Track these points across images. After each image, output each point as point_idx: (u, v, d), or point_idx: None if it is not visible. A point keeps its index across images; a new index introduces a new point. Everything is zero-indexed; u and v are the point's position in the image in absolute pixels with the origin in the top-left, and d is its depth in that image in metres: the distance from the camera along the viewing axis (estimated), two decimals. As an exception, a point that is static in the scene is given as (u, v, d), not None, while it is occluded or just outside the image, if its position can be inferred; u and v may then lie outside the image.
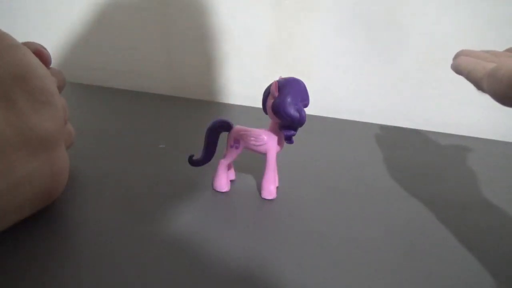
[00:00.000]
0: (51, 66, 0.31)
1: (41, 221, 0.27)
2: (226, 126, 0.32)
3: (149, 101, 0.61)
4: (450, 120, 0.56)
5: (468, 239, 0.28)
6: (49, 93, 0.27)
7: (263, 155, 0.31)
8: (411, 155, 0.44)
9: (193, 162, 0.33)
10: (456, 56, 0.29)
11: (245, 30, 0.61)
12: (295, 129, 0.30)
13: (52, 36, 0.72)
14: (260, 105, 0.32)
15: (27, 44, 0.29)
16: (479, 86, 0.24)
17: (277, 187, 0.33)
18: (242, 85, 0.64)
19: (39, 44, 0.31)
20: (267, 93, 0.30)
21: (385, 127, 0.55)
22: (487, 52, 0.28)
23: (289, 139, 0.30)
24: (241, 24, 0.61)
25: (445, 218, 0.31)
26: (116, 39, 0.69)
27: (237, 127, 0.32)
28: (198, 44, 0.64)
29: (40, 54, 0.29)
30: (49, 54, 0.31)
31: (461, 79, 0.27)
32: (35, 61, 0.27)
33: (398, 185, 0.36)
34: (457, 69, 0.27)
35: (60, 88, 0.32)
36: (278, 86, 0.29)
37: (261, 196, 0.32)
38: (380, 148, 0.46)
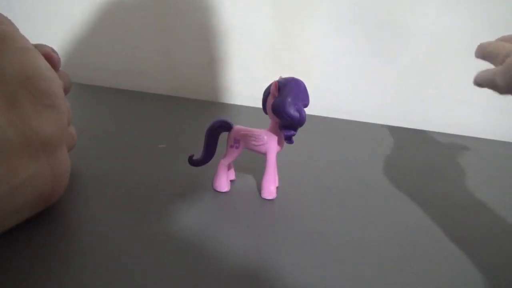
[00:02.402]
0: None
1: (41, 221, 0.27)
2: (226, 126, 0.32)
3: (149, 101, 0.61)
4: (450, 120, 0.56)
5: (468, 239, 0.28)
6: (54, 96, 0.27)
7: (263, 155, 0.31)
8: (411, 155, 0.44)
9: (193, 162, 0.33)
10: (476, 54, 0.30)
11: (245, 30, 0.61)
12: (295, 129, 0.30)
13: (52, 36, 0.72)
14: (260, 105, 0.32)
15: (37, 47, 0.29)
16: (498, 91, 0.25)
17: (277, 187, 0.33)
18: (242, 85, 0.64)
19: (50, 47, 0.31)
20: (267, 93, 0.30)
21: (385, 127, 0.55)
22: (505, 40, 0.29)
23: (289, 139, 0.30)
24: (241, 24, 0.61)
25: (445, 218, 0.31)
26: (116, 39, 0.69)
27: (237, 127, 0.32)
28: (198, 44, 0.64)
29: (50, 57, 0.29)
30: (58, 57, 0.31)
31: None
32: (44, 64, 0.27)
33: (398, 185, 0.36)
34: (477, 83, 0.28)
35: (66, 90, 0.32)
36: (278, 86, 0.29)
37: (261, 196, 0.32)
38: (380, 148, 0.46)
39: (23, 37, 0.27)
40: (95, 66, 0.72)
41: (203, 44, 0.64)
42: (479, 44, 0.29)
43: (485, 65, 0.28)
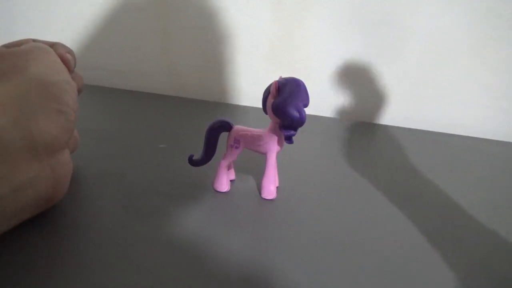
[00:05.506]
0: None
1: (42, 221, 0.27)
2: (226, 126, 0.32)
3: (149, 101, 0.61)
4: (450, 120, 0.56)
5: (468, 240, 0.28)
6: (66, 105, 0.27)
7: (263, 155, 0.31)
8: (411, 155, 0.44)
9: (193, 162, 0.33)
10: None
11: (245, 30, 0.61)
12: (295, 129, 0.30)
13: (52, 37, 0.72)
14: (260, 105, 0.32)
15: (54, 47, 0.29)
16: None
17: (277, 187, 0.33)
18: (242, 85, 0.64)
19: (66, 48, 0.30)
20: (267, 93, 0.30)
21: (385, 127, 0.55)
22: None
23: (289, 139, 0.30)
24: (241, 24, 0.61)
25: (444, 218, 0.31)
26: (116, 39, 0.69)
27: (237, 127, 0.32)
28: (198, 44, 0.64)
29: (64, 59, 0.29)
30: (74, 59, 0.31)
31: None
32: (60, 67, 0.28)
33: (398, 185, 0.36)
34: None
35: (78, 92, 0.32)
36: (278, 86, 0.29)
37: (261, 196, 0.32)
38: (380, 149, 0.46)
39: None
40: (95, 66, 0.72)
41: (203, 44, 0.64)
42: None
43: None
